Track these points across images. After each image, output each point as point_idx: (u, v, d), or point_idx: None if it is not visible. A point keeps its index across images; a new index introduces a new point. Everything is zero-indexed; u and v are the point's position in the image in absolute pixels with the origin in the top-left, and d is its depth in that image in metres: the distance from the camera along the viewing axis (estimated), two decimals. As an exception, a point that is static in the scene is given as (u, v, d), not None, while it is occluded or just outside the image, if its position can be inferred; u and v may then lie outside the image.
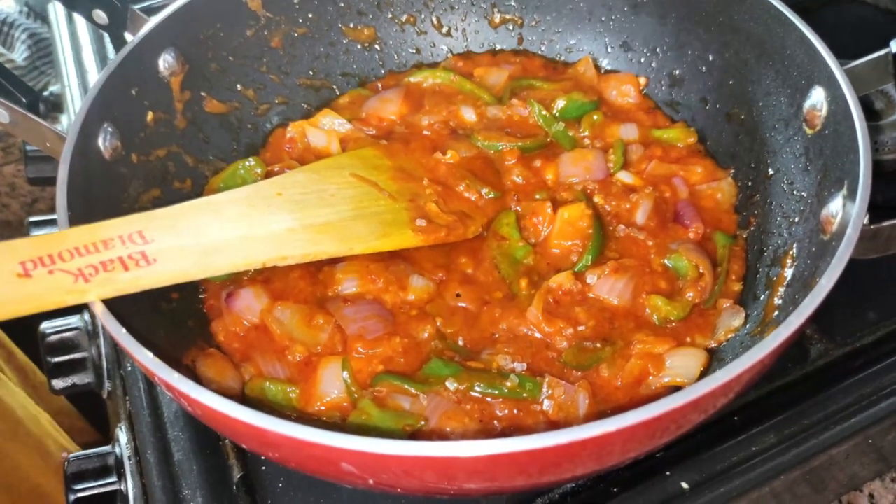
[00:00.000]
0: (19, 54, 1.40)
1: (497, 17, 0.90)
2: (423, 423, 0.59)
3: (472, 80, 0.86)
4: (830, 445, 0.63)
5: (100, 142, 0.65)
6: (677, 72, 0.83)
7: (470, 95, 0.85)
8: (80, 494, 0.71)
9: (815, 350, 0.69)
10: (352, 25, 0.87)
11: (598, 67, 0.87)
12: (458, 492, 0.50)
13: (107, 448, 0.73)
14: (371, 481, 0.47)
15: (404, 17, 0.89)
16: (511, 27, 0.90)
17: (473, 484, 0.48)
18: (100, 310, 0.50)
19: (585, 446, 0.43)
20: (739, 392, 0.50)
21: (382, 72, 0.89)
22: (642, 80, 0.85)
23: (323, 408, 0.62)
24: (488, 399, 0.61)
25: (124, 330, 0.49)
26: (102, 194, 0.64)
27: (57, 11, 1.16)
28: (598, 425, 0.42)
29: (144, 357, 0.47)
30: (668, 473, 0.62)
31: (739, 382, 0.47)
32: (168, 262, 0.54)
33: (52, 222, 0.92)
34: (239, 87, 0.81)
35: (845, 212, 0.56)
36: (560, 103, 0.82)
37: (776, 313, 0.61)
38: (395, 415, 0.59)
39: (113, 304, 0.51)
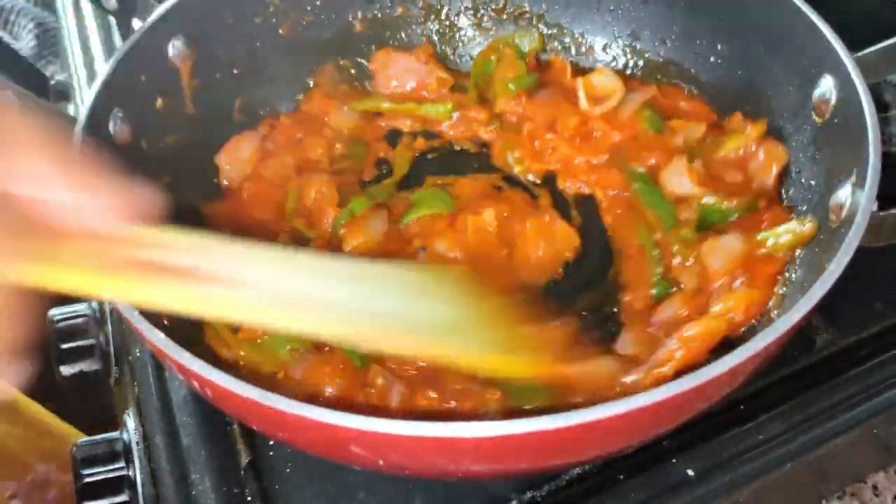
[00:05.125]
0: (25, 43, 1.41)
1: (508, 8, 0.90)
2: None
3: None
4: (835, 435, 0.64)
5: (110, 127, 0.65)
6: (685, 62, 0.83)
7: None
8: (88, 479, 0.71)
9: (821, 340, 0.69)
10: (360, 15, 0.87)
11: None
12: (465, 473, 0.51)
13: (115, 434, 0.73)
14: (380, 462, 0.48)
15: (399, 11, 0.88)
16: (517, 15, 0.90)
17: (479, 465, 0.48)
18: None
19: (591, 429, 0.43)
20: (747, 378, 0.51)
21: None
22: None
23: None
24: None
25: (136, 312, 0.49)
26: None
27: (64, -1, 1.16)
28: (602, 408, 0.42)
29: (157, 338, 0.48)
30: (674, 461, 0.62)
31: (747, 368, 0.47)
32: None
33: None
34: (248, 73, 0.81)
35: (854, 199, 0.56)
36: None
37: (785, 300, 0.62)
38: None
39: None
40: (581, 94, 0.78)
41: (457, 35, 0.90)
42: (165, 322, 0.58)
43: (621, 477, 0.61)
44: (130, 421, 0.72)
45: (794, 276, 0.63)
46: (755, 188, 0.71)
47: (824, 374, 0.67)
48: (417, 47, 0.87)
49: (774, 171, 0.70)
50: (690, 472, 0.61)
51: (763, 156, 0.71)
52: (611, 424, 0.43)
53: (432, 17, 0.89)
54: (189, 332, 0.65)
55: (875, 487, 0.69)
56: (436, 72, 0.85)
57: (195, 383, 0.49)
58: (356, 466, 0.59)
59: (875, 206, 0.53)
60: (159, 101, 0.72)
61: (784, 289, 0.62)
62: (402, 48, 0.87)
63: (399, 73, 0.85)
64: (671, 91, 0.81)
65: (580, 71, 0.85)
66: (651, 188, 0.73)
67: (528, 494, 0.61)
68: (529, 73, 0.82)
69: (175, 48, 0.73)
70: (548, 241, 0.72)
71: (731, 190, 0.70)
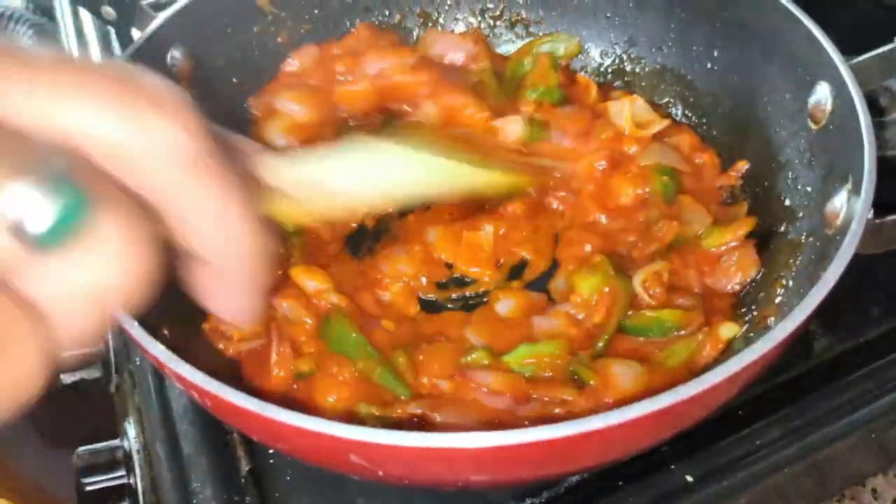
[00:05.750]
0: (25, 50, 1.40)
1: (505, 15, 0.90)
2: None
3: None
4: (834, 439, 0.64)
5: (109, 137, 0.65)
6: (682, 68, 0.83)
7: None
8: (89, 488, 0.71)
9: (819, 345, 0.70)
10: (358, 23, 0.87)
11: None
12: (464, 483, 0.51)
13: (115, 442, 0.73)
14: (379, 472, 0.48)
15: (396, 19, 0.89)
16: (514, 22, 0.90)
17: (478, 476, 0.49)
18: None
19: (589, 439, 0.43)
20: (744, 386, 0.51)
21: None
22: None
23: None
24: None
25: (136, 322, 0.49)
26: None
27: (62, 7, 1.16)
28: (600, 419, 0.42)
29: (156, 349, 0.48)
30: (672, 467, 0.62)
31: (744, 376, 0.47)
32: None
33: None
34: (247, 81, 0.82)
35: (850, 206, 0.56)
36: None
37: (782, 307, 0.62)
38: None
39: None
40: (626, 113, 0.76)
41: (454, 41, 0.90)
42: (165, 332, 0.59)
43: (620, 483, 0.62)
44: (131, 429, 0.72)
45: (790, 283, 0.63)
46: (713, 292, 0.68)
47: (822, 379, 0.67)
48: (466, 32, 0.87)
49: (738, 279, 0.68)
50: (689, 478, 0.61)
51: (736, 258, 0.68)
52: (608, 434, 0.43)
53: (429, 24, 0.90)
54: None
55: (874, 491, 0.69)
56: (480, 57, 0.84)
57: (194, 394, 0.49)
58: (355, 477, 0.59)
59: (871, 213, 0.53)
60: (158, 111, 0.72)
61: (780, 297, 0.63)
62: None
63: (445, 48, 0.84)
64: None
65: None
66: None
67: (527, 502, 0.61)
68: (558, 89, 0.81)
69: (174, 58, 0.73)
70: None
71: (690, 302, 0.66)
